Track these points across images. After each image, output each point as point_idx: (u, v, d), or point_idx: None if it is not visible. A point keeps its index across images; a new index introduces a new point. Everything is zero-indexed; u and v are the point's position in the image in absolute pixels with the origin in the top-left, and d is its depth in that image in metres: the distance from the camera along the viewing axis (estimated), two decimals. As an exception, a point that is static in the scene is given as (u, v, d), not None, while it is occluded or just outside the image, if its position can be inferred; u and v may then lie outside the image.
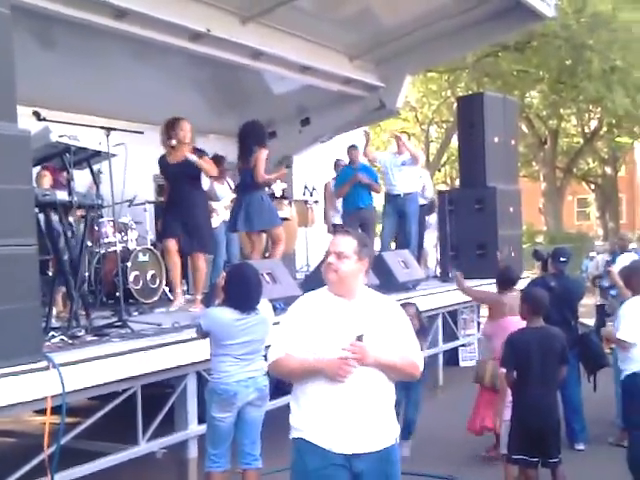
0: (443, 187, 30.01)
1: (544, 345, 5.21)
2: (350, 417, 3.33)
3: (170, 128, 7.38)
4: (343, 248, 3.43)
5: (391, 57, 11.95)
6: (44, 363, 4.39)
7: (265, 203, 7.94)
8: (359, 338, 3.29)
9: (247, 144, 7.98)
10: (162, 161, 7.57)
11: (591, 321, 11.54)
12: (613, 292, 9.61)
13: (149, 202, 9.38)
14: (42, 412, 4.60)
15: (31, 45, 8.10)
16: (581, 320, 7.51)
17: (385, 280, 8.41)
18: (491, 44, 19.24)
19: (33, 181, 4.54)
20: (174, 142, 7.31)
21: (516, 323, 5.75)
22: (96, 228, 8.10)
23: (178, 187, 7.41)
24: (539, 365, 5.15)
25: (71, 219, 6.68)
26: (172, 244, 7.38)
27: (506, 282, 6.78)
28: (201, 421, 5.57)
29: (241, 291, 5.02)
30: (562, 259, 7.41)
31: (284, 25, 9.95)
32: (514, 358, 5.22)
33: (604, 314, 10.79)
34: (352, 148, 10.69)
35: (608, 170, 35.62)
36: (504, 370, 5.32)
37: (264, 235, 8.22)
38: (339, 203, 10.98)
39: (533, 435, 5.13)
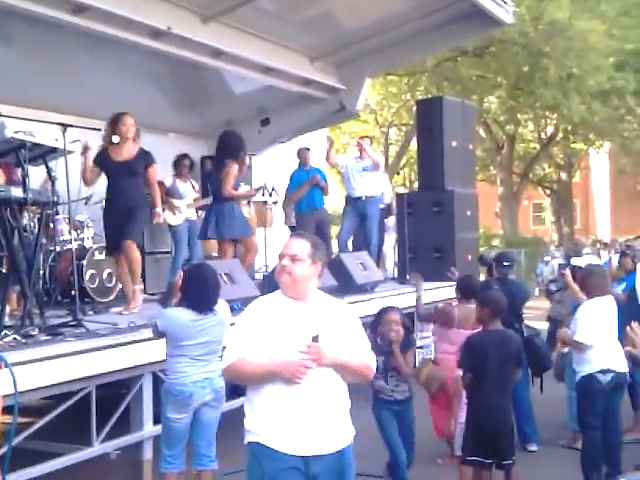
0: (402, 190, 30.17)
1: (502, 348, 5.27)
2: (306, 419, 3.33)
3: (113, 124, 7.15)
4: (297, 251, 3.43)
5: (352, 59, 11.96)
6: (-4, 362, 4.32)
7: (235, 213, 7.92)
8: (315, 339, 3.31)
9: (221, 155, 7.98)
10: (102, 156, 7.21)
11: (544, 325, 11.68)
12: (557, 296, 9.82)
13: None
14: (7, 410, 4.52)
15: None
16: (527, 323, 7.61)
17: (343, 282, 8.44)
18: (451, 49, 19.43)
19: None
20: (116, 138, 7.07)
21: (463, 335, 5.82)
22: (51, 226, 7.98)
23: (119, 184, 7.20)
24: (496, 368, 5.20)
25: (26, 216, 6.63)
26: None
27: (468, 291, 6.74)
28: (156, 422, 5.52)
29: (199, 291, 5.00)
30: (505, 263, 7.60)
31: (245, 25, 9.90)
32: (471, 361, 5.27)
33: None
34: (304, 150, 10.77)
35: (563, 176, 36.16)
36: (460, 372, 5.37)
37: (233, 243, 8.18)
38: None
39: (488, 437, 5.18)
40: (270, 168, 12.14)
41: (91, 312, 7.16)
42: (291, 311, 3.42)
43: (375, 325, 5.81)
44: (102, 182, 9.59)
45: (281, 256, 3.47)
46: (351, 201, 10.49)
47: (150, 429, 5.63)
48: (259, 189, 9.61)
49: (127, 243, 7.09)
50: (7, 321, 5.76)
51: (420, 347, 10.74)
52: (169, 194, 9.39)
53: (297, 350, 3.29)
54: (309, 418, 3.33)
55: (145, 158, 7.31)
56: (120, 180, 7.16)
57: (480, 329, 5.56)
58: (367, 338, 3.63)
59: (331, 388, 3.41)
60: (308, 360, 3.28)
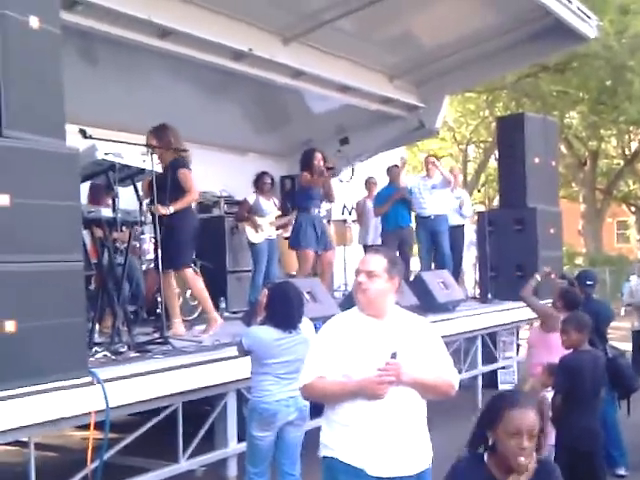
0: (481, 208, 29.86)
1: (595, 369, 5.14)
2: (385, 438, 3.27)
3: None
4: (373, 267, 3.39)
5: (431, 77, 11.95)
6: (89, 378, 4.43)
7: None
8: (393, 356, 3.24)
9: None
10: None
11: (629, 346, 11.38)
12: None
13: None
14: (84, 427, 4.63)
15: (78, 63, 8.23)
16: (611, 343, 7.38)
17: (425, 301, 8.38)
18: (532, 65, 19.17)
19: (80, 198, 4.58)
20: None
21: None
22: (137, 245, 8.14)
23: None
24: (590, 390, 5.08)
25: (115, 235, 6.80)
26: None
27: (571, 303, 6.53)
28: (241, 439, 5.56)
29: (283, 310, 5.01)
30: (588, 282, 7.32)
31: (325, 45, 10.01)
32: (567, 382, 5.12)
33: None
34: (393, 167, 10.74)
35: (648, 192, 35.20)
36: (547, 393, 5.24)
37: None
38: (373, 222, 11.03)
39: (580, 460, 5.04)
40: (349, 187, 12.15)
41: (176, 330, 7.25)
42: (369, 328, 3.37)
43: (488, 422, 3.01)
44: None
45: (357, 272, 3.44)
46: (420, 220, 10.51)
47: (235, 446, 5.68)
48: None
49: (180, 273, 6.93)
50: (97, 338, 5.92)
51: (502, 368, 10.60)
52: (252, 211, 9.48)
53: (375, 367, 3.23)
54: (388, 437, 3.27)
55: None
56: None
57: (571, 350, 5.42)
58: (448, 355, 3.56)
59: (410, 407, 3.33)
60: (387, 377, 3.22)
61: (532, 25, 10.76)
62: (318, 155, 8.60)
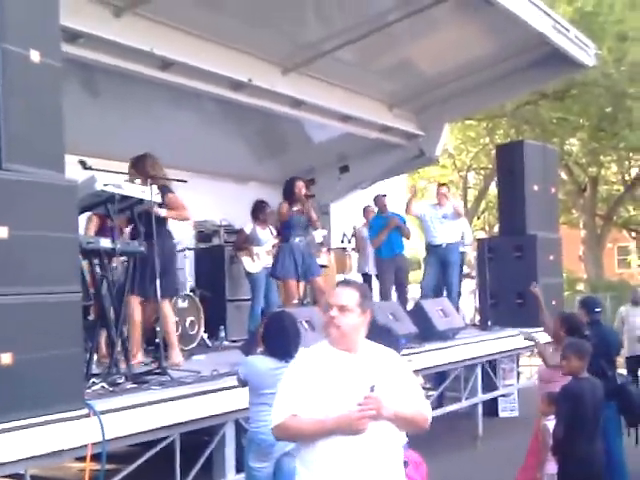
0: (481, 234, 29.87)
1: (595, 396, 5.14)
2: (366, 473, 3.18)
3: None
4: (346, 301, 3.28)
5: (430, 105, 12.03)
6: (85, 410, 4.42)
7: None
8: (372, 389, 3.17)
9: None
10: None
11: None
12: None
13: (189, 249, 9.47)
14: (82, 459, 4.61)
15: (79, 94, 8.31)
16: (618, 371, 7.35)
17: (424, 328, 8.38)
18: (531, 92, 19.28)
19: (78, 229, 4.60)
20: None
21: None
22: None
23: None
24: (591, 417, 5.06)
25: (114, 265, 6.81)
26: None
27: (574, 328, 6.50)
28: (239, 470, 5.53)
29: (279, 339, 5.01)
30: (597, 309, 7.25)
31: (324, 75, 10.09)
32: (568, 410, 5.11)
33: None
34: (380, 197, 10.83)
35: (649, 218, 35.17)
36: (548, 423, 5.24)
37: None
38: (371, 250, 11.07)
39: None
40: (350, 214, 12.21)
41: (175, 359, 7.25)
42: (342, 363, 3.27)
43: None
44: (184, 230, 9.88)
45: (329, 306, 3.31)
46: (431, 249, 10.57)
47: (233, 477, 5.64)
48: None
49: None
50: (95, 369, 5.91)
51: (502, 395, 10.56)
52: (248, 241, 9.51)
53: (353, 403, 3.12)
54: (369, 472, 3.19)
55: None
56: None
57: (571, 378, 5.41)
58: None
59: (388, 441, 3.25)
60: (368, 412, 3.12)
61: (530, 53, 10.84)
62: (299, 183, 8.62)
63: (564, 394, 5.21)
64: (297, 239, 8.50)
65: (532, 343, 7.18)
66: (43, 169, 4.36)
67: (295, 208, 8.52)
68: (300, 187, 8.57)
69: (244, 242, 9.51)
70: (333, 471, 3.18)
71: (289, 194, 8.57)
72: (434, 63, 10.87)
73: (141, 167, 6.77)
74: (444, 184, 11.40)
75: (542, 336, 7.36)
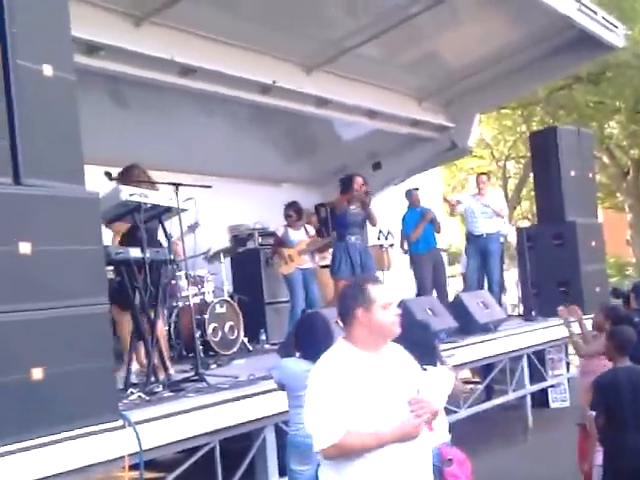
0: (526, 223, 29.50)
1: (633, 385, 4.96)
2: (414, 477, 3.15)
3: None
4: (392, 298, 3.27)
5: (460, 97, 11.90)
6: (120, 422, 4.39)
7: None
8: (418, 392, 3.14)
9: None
10: None
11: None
12: None
13: (224, 253, 9.44)
14: (134, 467, 4.57)
15: (103, 106, 8.35)
16: None
17: (464, 322, 8.26)
18: (563, 77, 18.96)
19: (102, 241, 4.58)
20: None
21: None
22: (173, 282, 8.17)
23: None
24: (631, 407, 4.89)
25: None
26: None
27: (618, 319, 6.32)
28: (282, 474, 5.48)
29: (309, 341, 4.94)
30: None
31: (349, 72, 10.02)
32: (603, 401, 4.98)
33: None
34: (412, 190, 10.72)
35: (696, 197, 34.40)
36: (593, 413, 5.09)
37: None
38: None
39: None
40: (384, 211, 12.09)
41: (214, 365, 7.25)
42: (372, 366, 3.16)
43: None
44: (219, 235, 9.90)
45: (387, 305, 3.22)
46: (472, 239, 10.47)
47: (276, 482, 5.60)
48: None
49: None
50: (134, 379, 5.91)
51: (552, 386, 10.37)
52: (281, 244, 9.49)
53: (398, 407, 3.08)
54: (414, 477, 3.15)
55: None
56: None
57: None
58: None
59: (425, 442, 3.22)
60: (422, 416, 3.08)
61: (558, 38, 10.67)
62: (358, 179, 8.57)
63: (596, 384, 5.06)
64: (353, 238, 8.44)
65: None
66: (63, 182, 4.35)
67: (352, 206, 8.45)
68: (360, 183, 8.50)
69: (278, 245, 9.49)
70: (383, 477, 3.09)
71: (347, 191, 8.50)
72: (460, 54, 10.73)
73: (127, 179, 6.49)
74: (484, 173, 11.28)
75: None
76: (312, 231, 9.94)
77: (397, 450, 3.07)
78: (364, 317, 3.18)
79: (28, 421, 3.95)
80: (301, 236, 9.60)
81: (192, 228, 7.75)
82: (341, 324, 3.33)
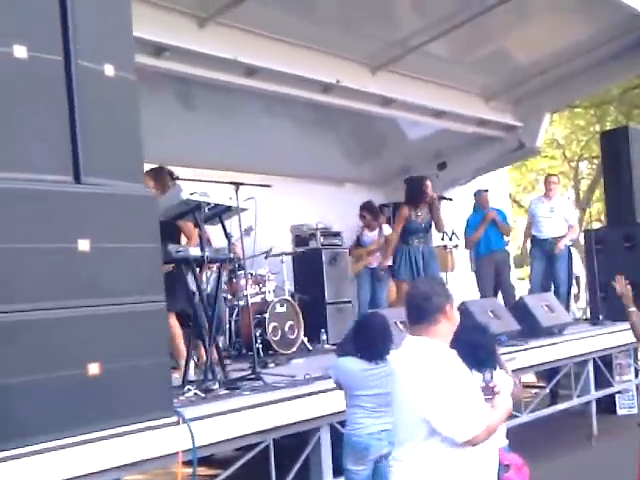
0: (597, 225, 28.90)
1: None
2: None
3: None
4: None
5: (529, 96, 11.70)
6: (174, 418, 4.44)
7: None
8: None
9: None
10: None
11: None
12: None
13: (286, 253, 9.48)
14: (188, 463, 4.62)
15: (168, 106, 8.47)
16: None
17: (528, 325, 8.10)
18: (637, 75, 18.49)
19: (159, 239, 4.63)
20: None
21: None
22: (234, 281, 8.24)
23: None
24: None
25: (213, 274, 6.89)
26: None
27: None
28: (337, 474, 5.47)
29: (367, 340, 4.93)
30: None
31: (415, 71, 9.95)
32: None
33: None
34: (483, 192, 10.55)
35: None
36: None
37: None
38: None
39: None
40: (450, 212, 11.98)
41: (272, 364, 7.27)
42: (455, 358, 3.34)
43: None
44: (282, 234, 9.94)
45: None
46: (537, 242, 10.29)
47: (331, 482, 5.59)
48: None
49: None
50: (193, 376, 5.97)
51: (619, 392, 10.11)
52: (358, 244, 9.60)
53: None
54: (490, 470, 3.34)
55: None
56: None
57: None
58: None
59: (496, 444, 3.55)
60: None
61: (631, 35, 10.39)
62: (428, 183, 8.46)
63: None
64: (416, 241, 8.38)
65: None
66: (122, 181, 4.42)
67: (419, 213, 8.38)
68: (430, 187, 8.41)
69: (355, 245, 9.66)
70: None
71: (416, 196, 8.40)
72: (529, 52, 10.56)
73: (160, 179, 6.40)
74: (553, 174, 11.06)
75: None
76: (388, 230, 9.85)
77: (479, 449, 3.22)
78: (450, 312, 3.35)
79: (84, 416, 4.02)
80: (374, 236, 9.58)
81: (247, 232, 7.76)
82: (413, 323, 3.40)
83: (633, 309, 6.43)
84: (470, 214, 10.70)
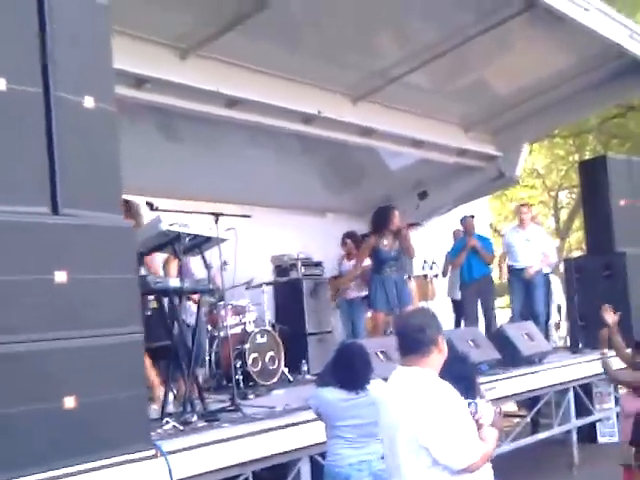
0: (577, 254, 29.06)
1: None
2: None
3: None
4: None
5: (508, 126, 11.79)
6: (152, 451, 4.40)
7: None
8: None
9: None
10: None
11: None
12: None
13: (266, 284, 9.46)
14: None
15: (149, 137, 8.48)
16: None
17: (508, 354, 8.12)
18: (614, 106, 18.71)
19: (137, 270, 4.62)
20: None
21: None
22: (214, 312, 8.20)
23: None
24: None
25: (192, 305, 6.86)
26: None
27: None
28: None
29: (346, 370, 4.93)
30: None
31: (395, 101, 10.01)
32: None
33: None
34: (468, 218, 10.61)
35: None
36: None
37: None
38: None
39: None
40: (430, 241, 12.03)
41: (252, 395, 7.23)
42: None
43: None
44: (262, 265, 9.93)
45: None
46: (515, 272, 10.35)
47: (311, 513, 5.55)
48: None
49: None
50: (172, 409, 5.92)
51: (599, 420, 10.12)
52: (339, 274, 9.65)
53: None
54: None
55: None
56: None
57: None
58: None
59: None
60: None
61: (609, 66, 10.51)
62: (396, 213, 8.50)
63: (635, 421, 4.92)
64: (388, 270, 8.38)
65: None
66: (100, 212, 4.42)
67: (385, 242, 8.39)
68: (396, 217, 8.43)
69: (337, 275, 9.73)
70: None
71: (381, 224, 8.43)
72: (509, 82, 10.66)
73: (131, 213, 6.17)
74: (525, 204, 11.15)
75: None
76: (367, 262, 9.86)
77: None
78: (442, 344, 3.43)
79: (59, 449, 3.98)
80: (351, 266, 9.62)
81: (223, 267, 7.74)
82: (406, 353, 3.45)
83: (608, 357, 6.58)
84: (458, 239, 10.76)
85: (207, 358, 8.01)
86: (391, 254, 8.41)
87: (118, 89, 5.22)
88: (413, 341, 3.38)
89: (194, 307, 6.83)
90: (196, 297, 6.78)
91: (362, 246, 8.67)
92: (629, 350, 6.92)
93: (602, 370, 6.81)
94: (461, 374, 3.94)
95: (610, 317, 7.00)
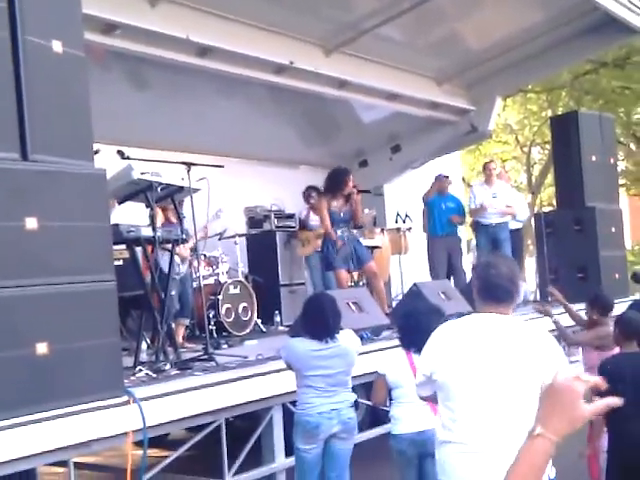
0: (549, 209, 29.25)
1: (637, 371, 4.89)
2: None
3: None
4: None
5: (481, 79, 11.75)
6: (125, 398, 4.42)
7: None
8: None
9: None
10: None
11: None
12: None
13: (239, 235, 9.45)
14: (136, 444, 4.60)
15: (119, 85, 8.35)
16: None
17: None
18: (588, 61, 18.72)
19: (109, 218, 4.59)
20: None
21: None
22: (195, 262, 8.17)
23: None
24: (634, 395, 4.81)
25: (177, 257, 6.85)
26: None
27: (605, 309, 6.39)
28: (289, 454, 5.50)
29: (316, 321, 4.96)
30: None
31: (368, 53, 9.92)
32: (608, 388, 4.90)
33: None
34: (443, 177, 10.59)
35: None
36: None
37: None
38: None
39: (633, 468, 4.80)
40: (403, 194, 12.05)
41: (225, 345, 7.27)
42: None
43: None
44: (235, 216, 9.90)
45: None
46: (480, 228, 10.36)
47: (282, 461, 5.62)
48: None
49: None
50: (145, 357, 5.94)
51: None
52: (301, 227, 9.52)
53: None
54: None
55: None
56: None
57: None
58: None
59: None
60: None
61: (581, 20, 10.48)
62: (349, 177, 8.20)
63: (601, 370, 4.99)
64: (339, 232, 8.11)
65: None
66: (71, 159, 4.36)
67: (335, 203, 8.10)
68: (351, 181, 8.14)
69: (300, 227, 9.52)
70: None
71: (334, 187, 8.17)
72: (482, 36, 10.62)
73: None
74: (491, 161, 11.18)
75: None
76: None
77: None
78: None
79: (32, 395, 3.99)
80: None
81: (216, 216, 7.76)
82: (499, 301, 3.32)
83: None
84: (430, 198, 10.67)
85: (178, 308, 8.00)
86: (341, 215, 8.14)
87: (87, 35, 5.13)
88: (508, 291, 3.31)
89: (178, 259, 6.91)
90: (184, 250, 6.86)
91: (318, 206, 8.46)
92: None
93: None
94: (432, 324, 3.98)
95: (557, 294, 7.25)
